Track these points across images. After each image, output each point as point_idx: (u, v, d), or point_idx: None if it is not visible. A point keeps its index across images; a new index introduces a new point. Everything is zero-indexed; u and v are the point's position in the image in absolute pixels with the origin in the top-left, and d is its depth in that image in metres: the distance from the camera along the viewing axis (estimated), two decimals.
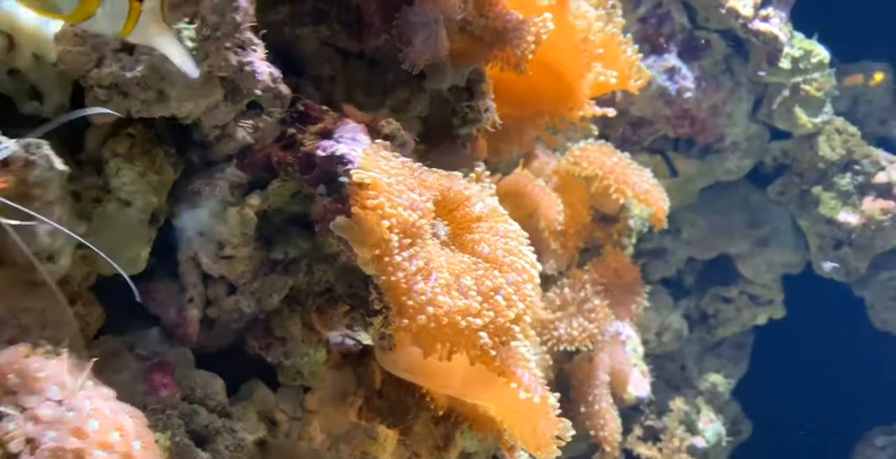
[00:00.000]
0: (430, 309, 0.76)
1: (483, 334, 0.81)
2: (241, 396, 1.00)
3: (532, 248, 0.88)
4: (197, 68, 0.76)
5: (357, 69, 1.11)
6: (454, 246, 0.85)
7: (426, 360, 0.83)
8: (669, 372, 2.32)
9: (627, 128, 2.09)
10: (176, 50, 0.73)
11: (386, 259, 0.77)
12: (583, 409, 1.80)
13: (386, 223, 0.77)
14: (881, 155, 2.24)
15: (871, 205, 2.18)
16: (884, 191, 2.19)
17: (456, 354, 0.81)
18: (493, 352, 0.81)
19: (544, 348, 1.75)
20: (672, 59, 1.96)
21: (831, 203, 2.24)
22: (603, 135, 2.20)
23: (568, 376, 1.85)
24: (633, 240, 2.05)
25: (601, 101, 2.18)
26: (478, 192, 0.87)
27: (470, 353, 0.82)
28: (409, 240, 0.78)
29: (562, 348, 1.75)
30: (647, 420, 2.21)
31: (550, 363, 1.73)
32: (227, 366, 0.98)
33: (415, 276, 0.77)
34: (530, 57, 1.15)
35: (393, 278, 0.77)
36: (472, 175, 0.99)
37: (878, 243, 2.26)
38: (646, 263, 2.32)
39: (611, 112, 1.45)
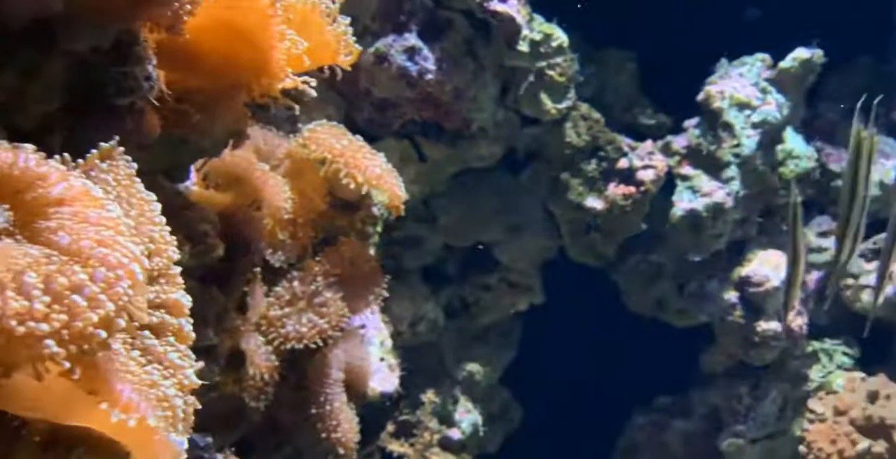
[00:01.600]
0: None
1: (49, 342, 0.64)
2: None
3: (137, 239, 0.73)
4: None
5: None
6: (21, 236, 0.68)
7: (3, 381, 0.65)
8: (427, 364, 2.26)
9: (372, 110, 1.99)
10: None
11: None
12: (314, 411, 1.67)
13: None
14: (624, 141, 2.29)
15: (615, 190, 2.22)
16: (626, 177, 2.24)
17: (18, 369, 0.65)
18: (68, 364, 0.65)
19: (270, 348, 1.61)
20: (412, 39, 1.88)
21: (579, 189, 2.26)
22: (349, 118, 2.09)
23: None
24: (379, 229, 1.95)
25: (341, 81, 2.04)
26: (59, 170, 0.71)
27: (36, 367, 0.65)
28: None
29: (290, 347, 1.62)
30: (401, 415, 2.13)
31: (276, 363, 1.60)
32: None
33: None
34: (187, 18, 0.99)
35: None
36: (97, 152, 0.83)
37: (623, 228, 2.31)
38: (400, 252, 2.24)
39: (311, 91, 1.31)
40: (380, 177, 1.67)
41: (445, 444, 2.17)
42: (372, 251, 1.89)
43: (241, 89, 1.32)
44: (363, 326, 1.96)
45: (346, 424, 1.69)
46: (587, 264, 2.53)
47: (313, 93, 1.35)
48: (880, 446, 2.29)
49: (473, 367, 2.39)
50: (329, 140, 1.68)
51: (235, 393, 1.60)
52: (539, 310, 2.72)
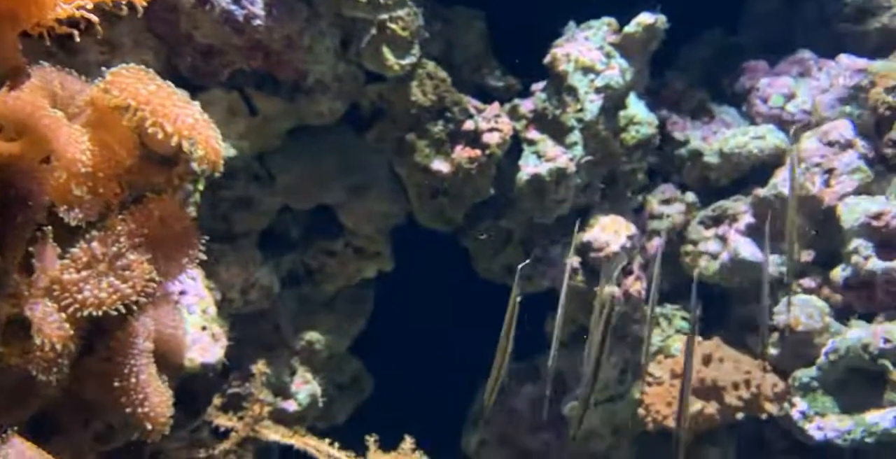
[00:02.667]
0: None
1: None
2: None
3: None
4: None
5: None
6: None
7: None
8: (261, 333, 2.14)
9: (196, 57, 1.82)
10: None
11: None
12: (118, 384, 1.53)
13: None
14: (471, 102, 2.22)
15: (461, 153, 2.15)
16: (472, 140, 2.17)
17: None
18: None
19: (63, 316, 1.45)
20: None
21: (425, 150, 2.17)
22: (170, 66, 1.92)
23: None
24: (201, 187, 1.80)
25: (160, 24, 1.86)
26: None
27: None
28: None
29: (87, 314, 1.47)
30: (230, 387, 2.00)
31: (70, 333, 1.44)
32: None
33: None
34: None
35: None
36: None
37: (470, 192, 2.25)
38: (230, 213, 2.09)
39: (92, 17, 1.17)
40: (192, 128, 1.52)
41: (279, 417, 2.06)
42: (192, 211, 1.75)
43: (7, 19, 1.15)
44: (183, 293, 1.82)
45: (156, 398, 1.56)
46: (436, 229, 2.46)
47: (94, 17, 1.20)
48: (712, 407, 2.34)
49: (313, 336, 2.29)
50: (134, 85, 1.52)
51: (20, 366, 1.44)
52: (389, 277, 2.64)
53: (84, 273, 1.49)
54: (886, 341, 2.13)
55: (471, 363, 2.88)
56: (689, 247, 2.50)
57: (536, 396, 2.67)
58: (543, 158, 2.17)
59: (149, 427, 1.54)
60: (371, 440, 2.06)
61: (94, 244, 1.51)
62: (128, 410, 1.53)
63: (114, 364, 1.54)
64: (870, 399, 2.19)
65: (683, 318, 2.55)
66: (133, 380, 1.52)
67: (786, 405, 2.29)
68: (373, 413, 2.91)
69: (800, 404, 2.25)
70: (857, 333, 2.19)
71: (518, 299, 1.44)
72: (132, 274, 1.51)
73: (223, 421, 1.93)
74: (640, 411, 2.44)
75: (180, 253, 1.61)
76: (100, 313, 1.47)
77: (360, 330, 2.72)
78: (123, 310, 1.50)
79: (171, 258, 1.60)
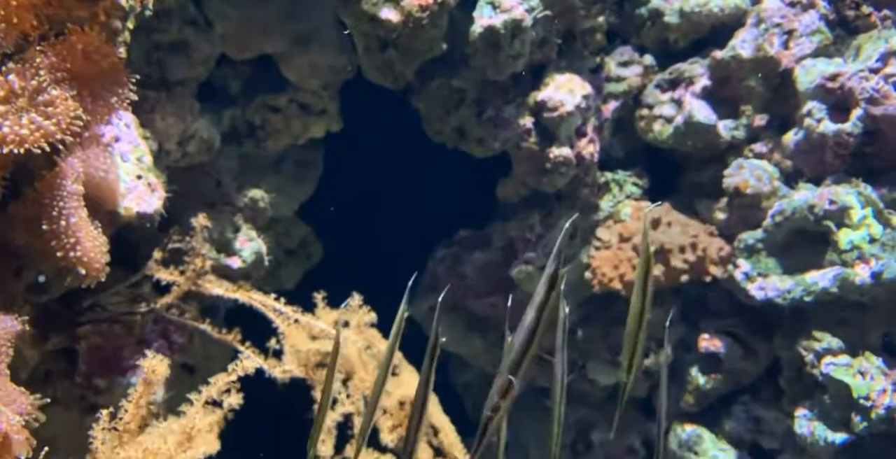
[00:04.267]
0: None
1: None
2: None
3: None
4: None
5: None
6: None
7: None
8: (202, 188, 2.07)
9: None
10: None
11: None
12: (47, 227, 1.46)
13: None
14: None
15: (411, 1, 2.03)
16: None
17: None
18: None
19: None
20: None
21: None
22: None
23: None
24: (131, 25, 1.67)
25: None
26: None
27: None
28: None
29: (8, 152, 1.38)
30: (171, 242, 1.95)
31: None
32: None
33: None
34: None
35: None
36: None
37: (420, 45, 2.15)
38: (164, 59, 1.97)
39: None
40: None
41: (223, 273, 2.03)
42: (122, 51, 1.63)
43: None
44: (116, 139, 1.72)
45: (88, 243, 1.50)
46: (385, 88, 2.37)
47: None
48: (658, 270, 2.37)
49: (257, 194, 2.22)
50: None
51: None
52: (338, 139, 2.56)
53: (1, 108, 1.39)
54: (832, 203, 2.15)
55: (423, 228, 2.86)
56: (645, 111, 2.45)
57: (485, 262, 2.67)
58: (499, 9, 2.06)
59: (82, 271, 1.49)
60: (319, 297, 2.04)
61: (12, 77, 1.40)
62: (59, 254, 1.47)
63: (42, 207, 1.47)
64: (812, 260, 2.23)
65: (635, 184, 2.54)
66: (63, 223, 1.45)
67: (730, 267, 2.33)
68: (322, 280, 2.90)
69: (743, 265, 2.28)
70: (804, 195, 2.20)
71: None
72: (55, 110, 1.41)
73: (164, 275, 1.88)
74: (587, 274, 2.46)
75: (108, 92, 1.51)
76: (21, 151, 1.39)
77: (309, 196, 2.66)
78: (48, 149, 1.42)
79: (97, 97, 1.50)
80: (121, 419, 1.33)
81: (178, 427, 1.31)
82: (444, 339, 1.14)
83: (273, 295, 1.95)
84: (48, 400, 1.46)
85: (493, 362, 2.76)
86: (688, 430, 2.47)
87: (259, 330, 2.06)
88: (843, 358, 2.12)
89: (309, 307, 2.04)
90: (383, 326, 2.18)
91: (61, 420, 1.87)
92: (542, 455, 2.79)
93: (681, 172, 2.57)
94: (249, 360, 1.50)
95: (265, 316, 1.99)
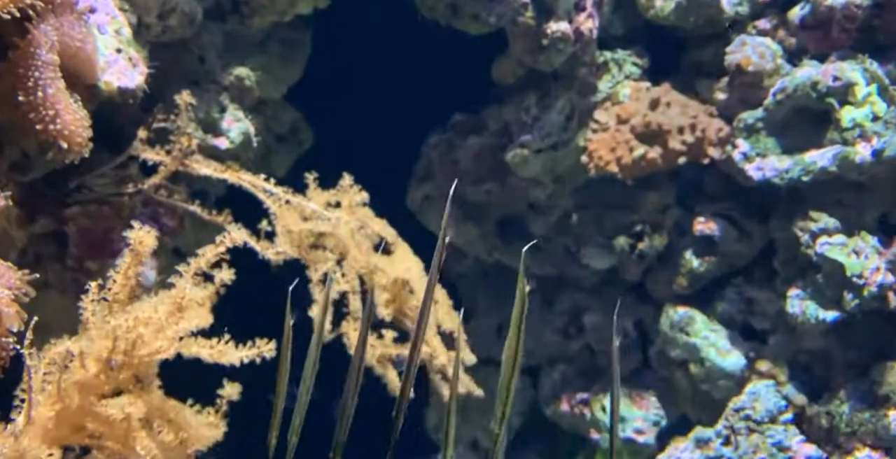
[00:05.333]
0: None
1: None
2: None
3: None
4: None
5: None
6: None
7: None
8: (185, 65, 1.99)
9: None
10: None
11: None
12: (23, 98, 1.41)
13: None
14: None
15: None
16: None
17: None
18: None
19: None
20: None
21: None
22: None
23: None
24: None
25: None
26: None
27: None
28: None
29: None
30: (155, 121, 1.89)
31: None
32: None
33: None
34: None
35: None
36: None
37: None
38: None
39: None
40: None
41: (211, 154, 1.98)
42: None
43: None
44: (92, 10, 1.64)
45: (68, 115, 1.44)
46: None
47: None
48: (655, 152, 2.33)
49: (243, 72, 2.15)
50: None
51: None
52: (327, 18, 2.46)
53: None
54: (836, 79, 2.09)
55: (416, 114, 2.80)
56: None
57: (480, 148, 2.63)
58: None
59: (64, 145, 1.44)
60: (311, 178, 2.01)
61: None
62: (38, 127, 1.42)
63: (17, 78, 1.41)
64: (812, 140, 2.19)
65: (634, 64, 2.46)
66: (40, 95, 1.40)
67: (728, 148, 2.29)
68: (314, 168, 2.85)
69: (742, 145, 2.25)
70: (807, 72, 2.13)
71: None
72: None
73: (150, 155, 1.84)
74: (584, 158, 2.42)
75: None
76: None
77: (297, 79, 2.58)
78: (18, 15, 1.35)
79: None
80: (109, 289, 1.32)
81: (169, 298, 1.30)
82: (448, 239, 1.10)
83: (262, 176, 1.92)
84: (37, 276, 1.44)
85: (488, 251, 2.76)
86: (680, 312, 2.49)
87: (250, 218, 2.04)
88: (839, 238, 2.12)
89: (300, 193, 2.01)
90: (377, 213, 2.16)
91: (56, 305, 1.87)
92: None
93: (681, 51, 2.49)
94: (238, 232, 1.48)
95: (256, 199, 1.97)
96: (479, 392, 1.84)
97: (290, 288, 1.13)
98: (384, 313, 1.77)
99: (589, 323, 2.70)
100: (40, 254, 1.92)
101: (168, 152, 1.85)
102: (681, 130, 2.31)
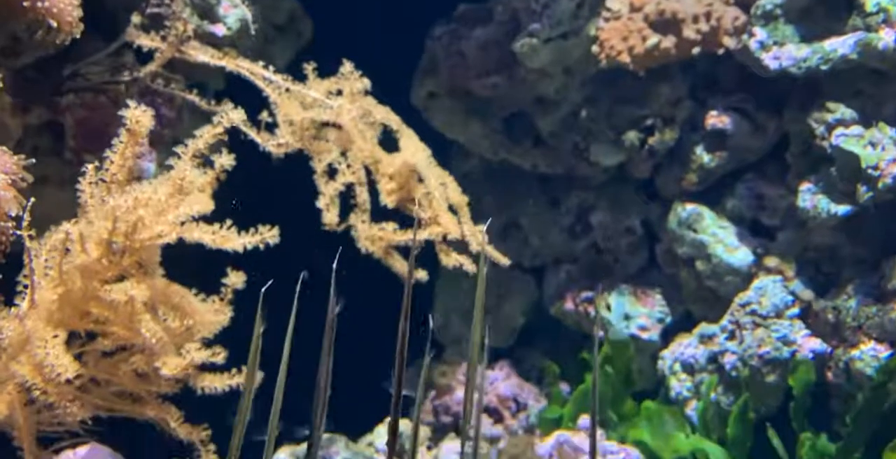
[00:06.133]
0: None
1: None
2: None
3: None
4: None
5: None
6: None
7: None
8: None
9: None
10: None
11: None
12: None
13: None
14: None
15: None
16: None
17: None
18: None
19: None
20: None
21: None
22: None
23: None
24: None
25: None
26: None
27: None
28: None
29: None
30: (149, 6, 1.81)
31: None
32: None
33: None
34: None
35: None
36: None
37: None
38: None
39: None
40: None
41: (208, 41, 1.91)
42: None
43: None
44: None
45: None
46: None
47: None
48: (668, 41, 2.25)
49: None
50: None
51: None
52: None
53: None
54: None
55: (420, 4, 2.68)
56: None
57: (486, 39, 2.53)
58: None
59: (53, 24, 1.38)
60: (309, 68, 1.95)
61: None
62: (26, 4, 1.36)
63: None
64: (832, 27, 2.10)
65: None
66: None
67: (744, 37, 2.20)
68: (314, 60, 2.76)
69: (759, 33, 2.16)
70: None
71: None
72: None
73: (145, 41, 1.77)
74: (594, 48, 2.34)
75: None
76: None
77: None
78: None
79: None
80: (107, 170, 1.29)
81: (169, 179, 1.26)
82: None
83: (261, 63, 1.85)
84: (33, 161, 1.41)
85: (494, 149, 2.71)
86: (688, 209, 2.46)
87: (250, 113, 1.97)
88: (856, 129, 2.06)
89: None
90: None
91: (55, 199, 1.85)
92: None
93: None
94: (235, 112, 1.43)
95: (256, 91, 1.91)
96: (504, 260, 1.81)
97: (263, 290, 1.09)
98: (388, 201, 1.74)
99: (595, 222, 2.68)
100: (37, 147, 1.88)
101: (163, 38, 1.78)
102: (695, 19, 2.22)
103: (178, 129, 1.99)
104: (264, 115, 1.86)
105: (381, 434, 2.46)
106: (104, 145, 1.91)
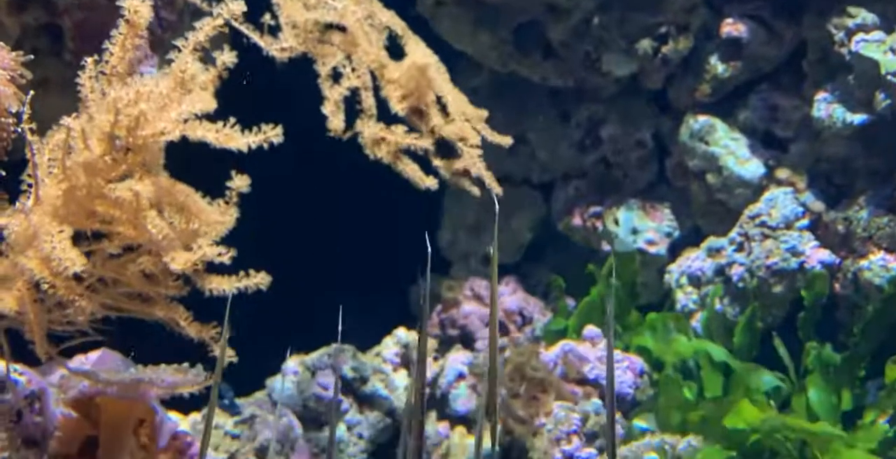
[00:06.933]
0: None
1: None
2: None
3: None
4: None
5: None
6: None
7: None
8: None
9: None
10: None
11: None
12: None
13: None
14: None
15: None
16: None
17: None
18: None
19: None
20: None
21: None
22: None
23: None
24: None
25: None
26: None
27: None
28: None
29: None
30: None
31: None
32: None
33: None
34: None
35: None
36: None
37: None
38: None
39: None
40: None
41: None
42: None
43: None
44: None
45: None
46: None
47: None
48: None
49: None
50: None
51: None
52: None
53: None
54: None
55: None
56: None
57: None
58: None
59: None
60: None
61: None
62: None
63: None
64: None
65: None
66: None
67: None
68: None
69: None
70: None
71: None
72: None
73: None
74: None
75: None
76: None
77: None
78: None
79: None
80: (107, 62, 1.26)
81: (170, 73, 1.23)
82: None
83: None
84: (32, 57, 1.37)
85: (503, 61, 2.64)
86: (700, 120, 2.42)
87: (252, 18, 1.92)
88: (877, 34, 2.00)
89: None
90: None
91: (57, 104, 1.81)
92: None
93: None
94: (236, 3, 1.38)
95: None
96: (498, 189, 1.79)
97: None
98: (398, 108, 1.70)
99: (606, 135, 2.64)
100: (37, 48, 1.84)
101: None
102: None
103: (179, 33, 1.94)
104: (267, 18, 1.80)
105: (388, 345, 2.49)
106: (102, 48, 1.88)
